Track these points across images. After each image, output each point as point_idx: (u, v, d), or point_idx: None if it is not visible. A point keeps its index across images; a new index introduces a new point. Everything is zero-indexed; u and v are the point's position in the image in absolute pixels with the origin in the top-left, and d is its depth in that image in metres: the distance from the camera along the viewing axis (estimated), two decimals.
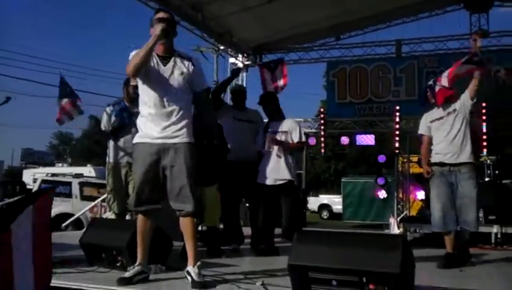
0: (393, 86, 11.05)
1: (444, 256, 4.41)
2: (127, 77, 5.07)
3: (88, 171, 16.17)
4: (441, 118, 4.64)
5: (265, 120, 5.44)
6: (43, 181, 12.25)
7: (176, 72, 3.34)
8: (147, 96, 3.34)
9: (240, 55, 12.20)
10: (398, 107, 10.43)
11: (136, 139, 3.41)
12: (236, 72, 5.40)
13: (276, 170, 4.92)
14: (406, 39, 11.29)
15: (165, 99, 3.30)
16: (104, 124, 5.38)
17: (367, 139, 11.22)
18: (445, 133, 4.57)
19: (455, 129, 4.54)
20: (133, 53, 3.29)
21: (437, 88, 4.70)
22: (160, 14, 3.35)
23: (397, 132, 10.53)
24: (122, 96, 5.37)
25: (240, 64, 12.26)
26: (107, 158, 5.42)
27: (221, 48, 11.95)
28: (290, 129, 5.03)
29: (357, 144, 11.43)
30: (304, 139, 5.35)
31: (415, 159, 11.33)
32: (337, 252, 2.69)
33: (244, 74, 12.62)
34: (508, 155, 10.53)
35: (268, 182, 4.93)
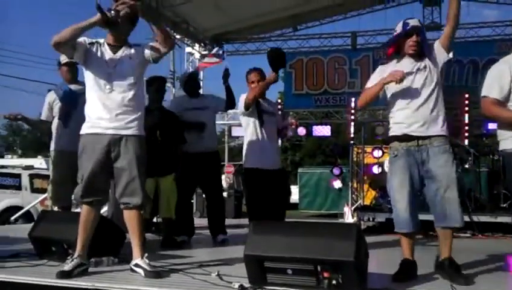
0: (349, 78, 11.24)
1: (400, 265, 3.21)
2: (59, 58, 4.81)
3: (39, 163, 15.66)
4: (407, 74, 3.27)
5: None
6: None
7: (125, 59, 3.27)
8: (95, 84, 3.25)
9: (197, 45, 12.07)
10: (353, 99, 10.59)
11: (85, 130, 3.28)
12: (226, 74, 5.06)
13: (275, 154, 4.66)
14: (361, 31, 11.49)
15: (114, 88, 3.23)
16: (45, 114, 4.93)
17: (323, 130, 11.36)
18: (410, 97, 3.29)
19: (425, 93, 3.27)
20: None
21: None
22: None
23: (352, 123, 10.71)
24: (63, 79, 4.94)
25: (197, 55, 12.11)
26: (51, 146, 4.92)
27: (178, 37, 11.78)
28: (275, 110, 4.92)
29: (314, 135, 11.55)
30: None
31: (369, 149, 11.56)
32: (292, 241, 2.70)
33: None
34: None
35: (271, 166, 4.53)
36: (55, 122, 4.89)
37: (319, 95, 11.46)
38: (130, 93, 3.27)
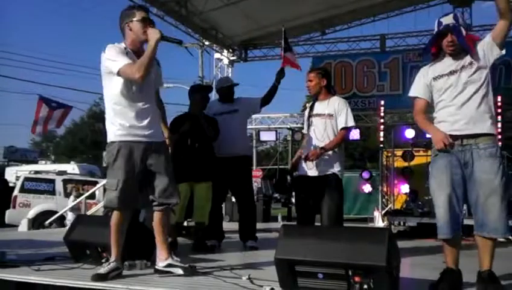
0: (377, 81, 11.16)
1: (441, 274, 2.99)
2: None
3: (71, 168, 16.01)
4: (452, 72, 3.08)
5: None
6: (26, 179, 12.11)
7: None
8: (128, 92, 3.28)
9: (225, 51, 12.17)
10: (382, 102, 10.49)
11: (118, 137, 3.31)
12: (280, 74, 5.02)
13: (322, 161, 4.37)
14: (390, 34, 11.40)
15: (144, 96, 3.32)
16: None
17: (352, 134, 11.25)
18: (455, 94, 3.04)
19: (470, 90, 3.02)
20: (111, 55, 3.21)
21: (463, 31, 3.09)
22: (144, 14, 3.32)
23: (382, 126, 10.59)
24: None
25: (226, 60, 12.19)
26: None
27: (206, 43, 11.92)
28: (337, 111, 4.41)
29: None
30: (351, 123, 4.45)
31: (399, 153, 11.42)
32: (323, 245, 2.70)
33: (230, 69, 12.59)
34: None
35: (312, 173, 4.39)
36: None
37: (348, 98, 11.34)
38: (154, 102, 3.44)
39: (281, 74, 5.16)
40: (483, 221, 2.93)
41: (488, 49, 3.05)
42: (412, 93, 3.27)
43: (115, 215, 3.33)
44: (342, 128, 4.39)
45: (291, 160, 5.03)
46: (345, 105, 4.44)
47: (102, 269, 3.17)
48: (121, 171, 3.27)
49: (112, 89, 3.30)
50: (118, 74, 3.19)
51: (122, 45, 3.32)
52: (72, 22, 69.11)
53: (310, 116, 4.54)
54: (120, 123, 3.31)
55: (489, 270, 2.92)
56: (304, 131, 4.77)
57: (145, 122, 3.31)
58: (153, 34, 3.20)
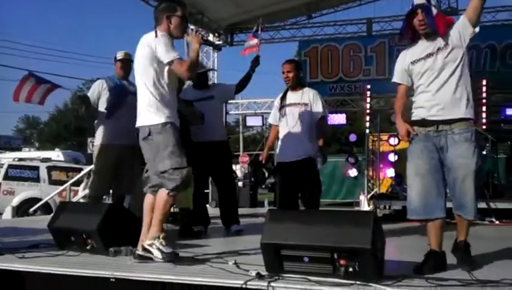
0: (364, 65, 11.15)
1: (425, 256, 3.04)
2: (116, 54, 5.08)
3: (56, 155, 15.84)
4: (428, 55, 3.13)
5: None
6: (10, 166, 11.97)
7: None
8: (173, 86, 3.51)
9: (211, 35, 12.06)
10: (369, 86, 10.51)
11: (168, 118, 3.39)
12: (255, 62, 5.04)
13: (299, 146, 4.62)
14: (376, 17, 11.37)
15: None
16: (92, 98, 4.97)
17: (338, 119, 11.29)
18: (431, 78, 3.11)
19: (446, 73, 3.08)
20: (166, 44, 3.32)
21: (434, 10, 3.14)
22: (184, 12, 3.56)
23: (368, 111, 10.63)
24: (115, 72, 5.13)
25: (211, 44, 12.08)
26: (96, 139, 5.04)
27: (192, 27, 11.77)
28: (312, 101, 4.70)
29: (329, 123, 11.47)
30: (327, 112, 4.91)
31: (385, 137, 11.48)
32: (308, 229, 2.70)
33: (216, 54, 12.49)
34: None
35: (291, 158, 4.63)
36: (100, 112, 4.99)
37: (334, 83, 11.39)
38: None
39: (255, 63, 5.17)
40: (461, 202, 3.05)
41: (463, 28, 3.09)
42: (393, 79, 3.35)
43: (148, 197, 3.46)
44: (322, 117, 4.71)
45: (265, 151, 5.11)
46: (318, 95, 4.76)
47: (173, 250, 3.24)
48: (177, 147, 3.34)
49: (157, 71, 3.39)
50: (168, 64, 3.32)
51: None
52: (72, 11, 68.20)
53: (283, 106, 4.73)
54: (166, 114, 3.38)
55: (465, 242, 3.12)
56: (272, 122, 4.93)
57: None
58: (195, 38, 3.49)
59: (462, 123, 3.06)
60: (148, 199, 3.47)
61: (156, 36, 3.34)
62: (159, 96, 3.37)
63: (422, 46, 3.17)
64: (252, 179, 11.02)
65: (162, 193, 3.32)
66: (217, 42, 12.15)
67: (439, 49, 3.10)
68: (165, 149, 3.30)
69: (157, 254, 3.20)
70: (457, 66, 3.08)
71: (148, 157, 3.46)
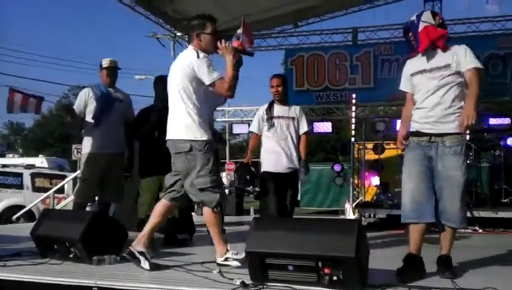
0: (349, 74, 11.22)
1: (404, 261, 3.10)
2: (101, 61, 5.04)
3: (40, 161, 15.66)
4: (426, 71, 3.24)
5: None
6: None
7: None
8: (206, 99, 3.51)
9: None
10: (354, 95, 10.59)
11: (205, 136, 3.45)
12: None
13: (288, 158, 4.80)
14: (362, 27, 11.47)
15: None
16: (79, 109, 4.94)
17: (324, 127, 11.34)
18: (426, 95, 3.22)
19: (441, 91, 3.17)
20: (208, 65, 3.37)
21: (421, 26, 3.22)
22: (215, 27, 3.55)
23: (353, 120, 10.71)
24: (101, 80, 5.06)
25: None
26: (84, 147, 4.99)
27: (178, 34, 11.76)
28: (298, 116, 4.92)
29: (315, 131, 11.54)
30: (309, 128, 5.17)
31: (370, 145, 11.56)
32: (293, 238, 2.71)
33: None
34: None
35: (281, 170, 4.77)
36: (88, 121, 4.95)
37: (320, 91, 11.44)
38: None
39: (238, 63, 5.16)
40: (446, 210, 3.15)
41: (462, 61, 3.18)
42: (400, 87, 3.49)
43: (163, 205, 3.51)
44: (305, 132, 4.95)
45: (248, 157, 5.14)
46: (302, 111, 5.04)
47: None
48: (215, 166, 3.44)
49: (197, 91, 3.42)
50: (209, 84, 3.36)
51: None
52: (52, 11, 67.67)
53: (271, 117, 4.86)
54: (206, 127, 3.47)
55: (447, 255, 3.19)
56: (255, 131, 4.97)
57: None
58: (227, 50, 3.42)
59: (454, 137, 3.18)
60: (161, 204, 3.52)
61: (198, 57, 3.38)
62: (199, 115, 3.42)
63: (421, 61, 3.30)
64: (237, 182, 10.96)
65: (208, 211, 3.40)
66: None
67: (438, 68, 3.20)
68: (204, 167, 3.36)
69: (235, 264, 3.30)
70: (453, 86, 3.19)
71: (181, 170, 3.47)
